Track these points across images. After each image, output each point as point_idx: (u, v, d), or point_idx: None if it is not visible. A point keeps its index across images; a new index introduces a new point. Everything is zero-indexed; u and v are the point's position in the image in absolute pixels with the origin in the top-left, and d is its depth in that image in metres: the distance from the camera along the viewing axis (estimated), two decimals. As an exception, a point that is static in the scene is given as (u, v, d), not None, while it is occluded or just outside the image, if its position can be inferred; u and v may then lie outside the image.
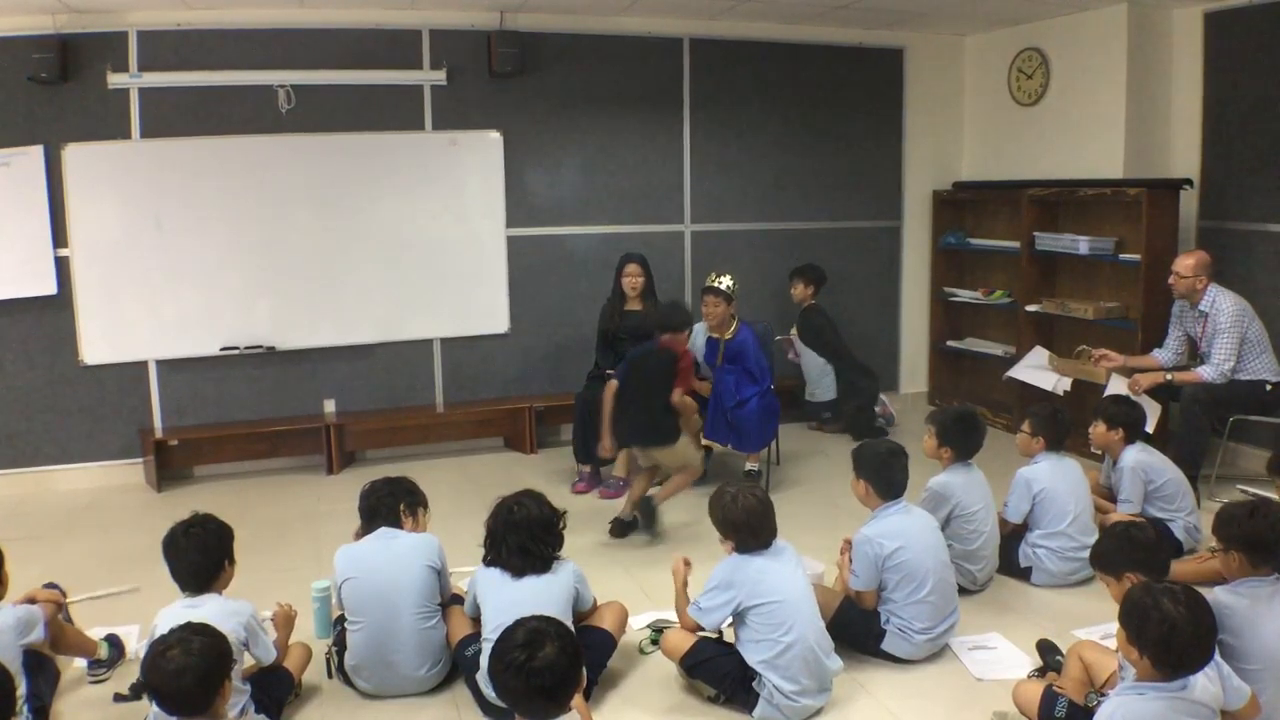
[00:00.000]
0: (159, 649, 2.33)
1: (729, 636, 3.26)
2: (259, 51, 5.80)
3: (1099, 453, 4.67)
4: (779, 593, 3.08)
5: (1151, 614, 2.31)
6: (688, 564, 3.41)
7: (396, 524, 3.41)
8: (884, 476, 3.54)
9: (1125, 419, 4.39)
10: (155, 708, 2.50)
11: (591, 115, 6.47)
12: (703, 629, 3.21)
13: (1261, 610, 2.74)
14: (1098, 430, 4.44)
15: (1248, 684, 2.57)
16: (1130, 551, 2.95)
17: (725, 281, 5.37)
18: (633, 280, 5.67)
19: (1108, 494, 4.51)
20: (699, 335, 5.57)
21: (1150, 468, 4.28)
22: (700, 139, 6.73)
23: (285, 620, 3.35)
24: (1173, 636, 2.28)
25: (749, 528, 3.16)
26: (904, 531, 3.46)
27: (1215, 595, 2.72)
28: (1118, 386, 5.18)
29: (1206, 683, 2.39)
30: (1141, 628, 2.33)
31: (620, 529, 4.80)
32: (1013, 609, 3.92)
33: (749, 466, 5.59)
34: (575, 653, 2.31)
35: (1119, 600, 2.90)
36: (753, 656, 3.09)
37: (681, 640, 3.24)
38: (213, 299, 5.86)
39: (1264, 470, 5.44)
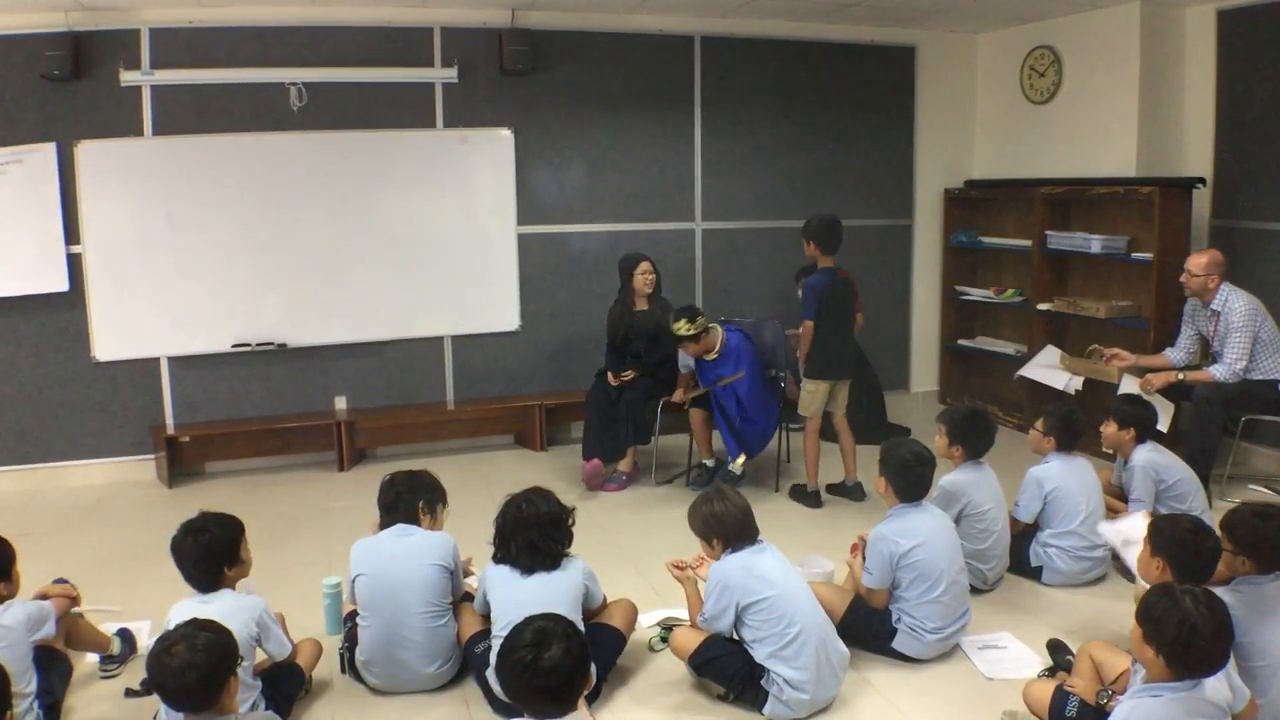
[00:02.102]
0: (164, 645, 2.34)
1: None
2: (271, 49, 5.82)
3: (1110, 452, 4.65)
4: (772, 586, 3.09)
5: (1170, 614, 2.28)
6: (682, 565, 3.42)
7: (414, 521, 3.41)
8: (905, 479, 3.54)
9: (1136, 418, 4.37)
10: (164, 703, 2.52)
11: (603, 113, 6.47)
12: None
13: (1264, 609, 2.73)
14: (1109, 430, 4.42)
15: (1254, 682, 2.56)
16: (1181, 543, 2.85)
17: (684, 328, 5.11)
18: (646, 278, 5.63)
19: (1119, 493, 4.50)
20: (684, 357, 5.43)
21: (1161, 467, 4.26)
22: (711, 137, 6.72)
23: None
24: (1192, 639, 2.25)
25: (738, 526, 3.19)
26: (921, 531, 3.46)
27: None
28: (1129, 386, 5.16)
29: (1217, 683, 2.37)
30: (1159, 627, 2.30)
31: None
32: (1023, 608, 3.91)
33: (733, 468, 5.29)
34: (582, 653, 2.30)
35: (1141, 568, 2.90)
36: (760, 652, 3.09)
37: (690, 638, 3.24)
38: (224, 296, 5.88)
39: (1277, 470, 5.46)
